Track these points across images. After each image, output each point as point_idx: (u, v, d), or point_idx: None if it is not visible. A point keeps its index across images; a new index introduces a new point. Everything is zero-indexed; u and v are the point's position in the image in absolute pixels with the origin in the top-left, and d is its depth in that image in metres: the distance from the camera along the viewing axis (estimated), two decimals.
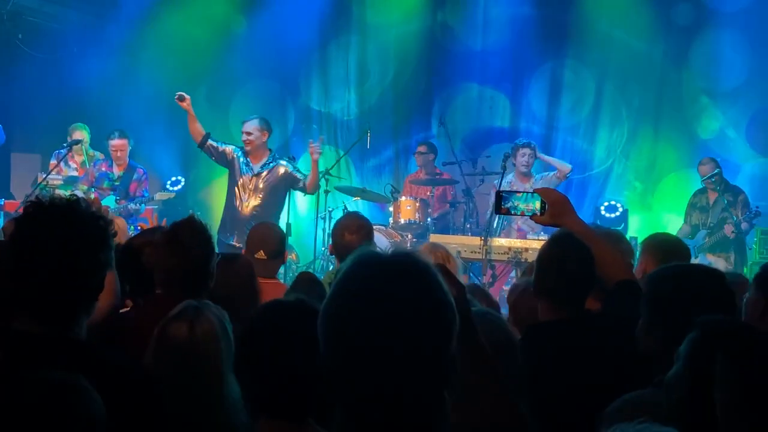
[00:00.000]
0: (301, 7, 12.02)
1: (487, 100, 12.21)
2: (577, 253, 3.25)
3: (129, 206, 9.30)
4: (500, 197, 3.51)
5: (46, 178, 9.39)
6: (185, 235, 3.32)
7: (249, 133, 8.90)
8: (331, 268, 9.72)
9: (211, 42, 11.82)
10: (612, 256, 3.38)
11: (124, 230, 5.20)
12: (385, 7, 12.00)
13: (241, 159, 8.93)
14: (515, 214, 3.59)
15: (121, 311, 3.53)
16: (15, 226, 2.33)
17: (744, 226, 9.65)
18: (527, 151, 9.70)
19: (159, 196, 9.66)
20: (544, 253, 3.34)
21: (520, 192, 3.54)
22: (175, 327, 2.48)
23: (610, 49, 11.51)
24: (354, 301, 1.60)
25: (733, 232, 9.57)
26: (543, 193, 3.46)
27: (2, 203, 9.73)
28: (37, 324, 2.24)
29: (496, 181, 9.45)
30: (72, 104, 10.86)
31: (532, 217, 3.46)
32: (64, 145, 9.72)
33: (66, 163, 9.99)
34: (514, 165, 9.66)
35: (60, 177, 9.73)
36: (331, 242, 5.04)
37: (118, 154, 9.58)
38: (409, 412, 1.59)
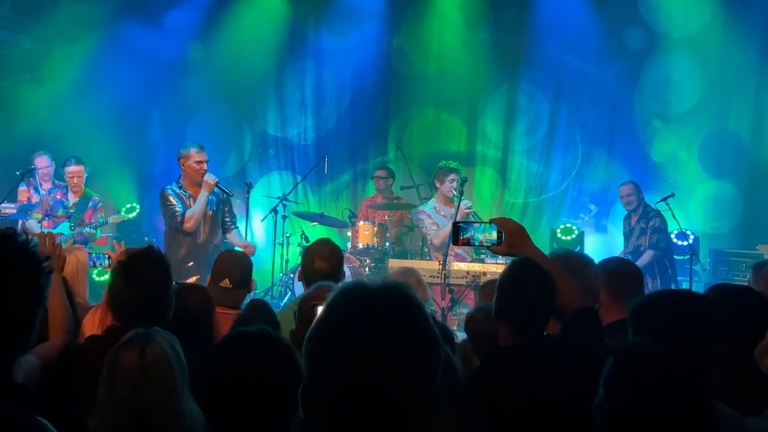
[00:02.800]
0: (257, 32, 12.02)
1: (443, 124, 12.29)
2: (537, 279, 3.27)
3: (84, 231, 9.21)
4: (458, 228, 3.52)
5: None
6: (142, 265, 3.26)
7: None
8: (289, 295, 9.70)
9: (167, 67, 11.76)
10: (568, 283, 3.41)
11: (85, 262, 5.09)
12: (341, 32, 12.03)
13: (186, 194, 8.41)
14: (474, 245, 3.59)
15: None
16: None
17: (645, 257, 9.49)
18: (456, 177, 9.55)
19: (113, 219, 9.55)
20: (505, 278, 3.36)
21: (477, 222, 3.56)
22: (125, 354, 2.45)
23: (563, 72, 11.68)
24: (340, 329, 1.59)
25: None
26: (499, 222, 3.49)
27: None
28: None
29: (422, 209, 9.54)
30: (24, 132, 10.71)
31: (490, 247, 3.48)
32: (17, 173, 9.57)
33: (37, 190, 9.91)
34: (438, 188, 9.61)
35: (13, 205, 9.60)
36: (300, 268, 4.94)
37: (75, 180, 9.49)
38: None
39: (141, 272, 3.23)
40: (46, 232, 4.19)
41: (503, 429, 3.08)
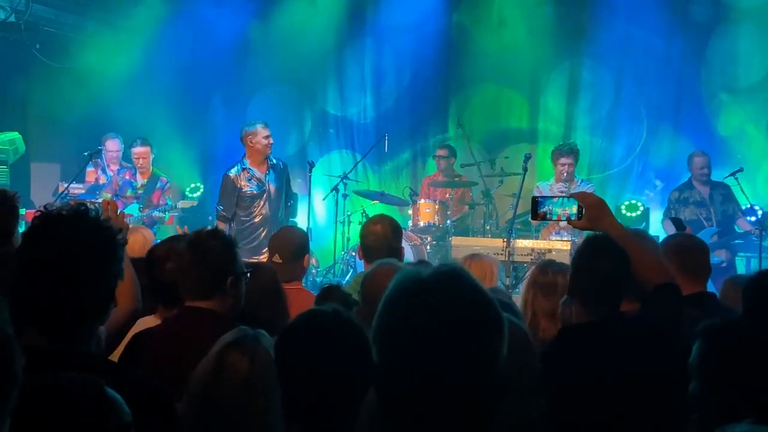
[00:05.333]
0: (317, 11, 12.02)
1: (504, 101, 12.16)
2: (610, 255, 3.22)
3: (153, 214, 9.32)
4: (536, 203, 3.49)
5: (68, 187, 9.42)
6: (208, 243, 3.29)
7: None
8: (351, 273, 9.74)
9: (228, 48, 11.84)
10: (651, 259, 3.35)
11: (151, 242, 5.18)
12: (400, 9, 11.96)
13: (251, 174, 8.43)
14: (552, 219, 3.56)
15: (152, 325, 3.51)
16: (22, 237, 2.29)
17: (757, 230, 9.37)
18: (568, 160, 9.33)
19: (182, 204, 9.67)
20: (578, 254, 3.33)
21: (555, 197, 3.52)
22: (236, 358, 2.43)
23: (628, 46, 11.44)
24: (398, 314, 1.64)
25: (755, 229, 9.41)
26: (579, 197, 3.44)
27: (24, 213, 9.75)
28: (44, 338, 2.18)
29: (538, 185, 9.39)
30: (90, 113, 10.88)
31: (569, 221, 3.43)
32: (85, 154, 9.71)
33: (104, 171, 10.08)
34: (555, 168, 9.48)
35: (82, 186, 9.76)
36: (359, 245, 5.02)
37: (141, 161, 9.61)
38: (461, 422, 1.59)
39: (207, 251, 3.25)
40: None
41: (573, 407, 3.05)
